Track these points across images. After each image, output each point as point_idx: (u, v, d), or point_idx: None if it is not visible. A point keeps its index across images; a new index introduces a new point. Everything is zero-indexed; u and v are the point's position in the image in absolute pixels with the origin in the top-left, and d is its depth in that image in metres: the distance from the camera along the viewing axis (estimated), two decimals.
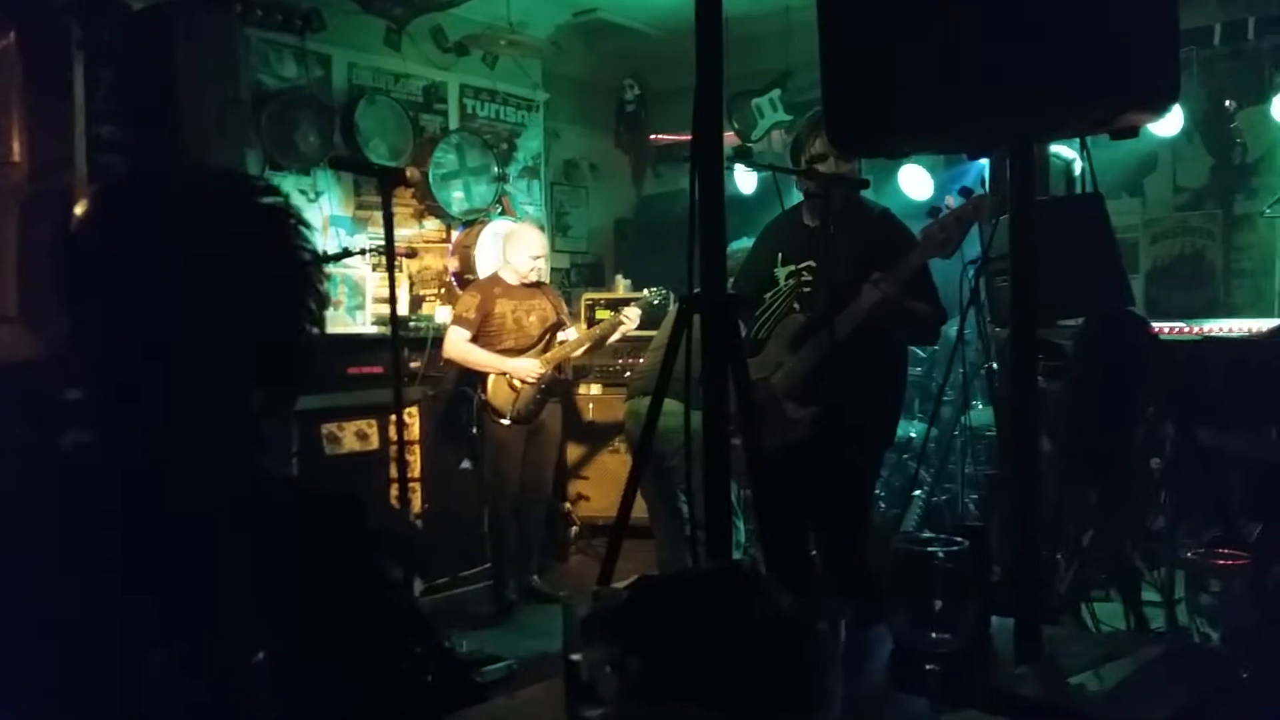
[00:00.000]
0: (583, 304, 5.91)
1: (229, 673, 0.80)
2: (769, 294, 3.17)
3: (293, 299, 1.09)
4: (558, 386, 4.83)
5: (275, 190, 1.14)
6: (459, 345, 4.64)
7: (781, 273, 3.16)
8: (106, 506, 1.00)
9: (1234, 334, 4.10)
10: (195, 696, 0.81)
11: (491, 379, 4.66)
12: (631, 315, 4.78)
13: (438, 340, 4.87)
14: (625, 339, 5.04)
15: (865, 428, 3.00)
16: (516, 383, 4.64)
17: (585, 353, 5.06)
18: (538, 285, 4.85)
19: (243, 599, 0.91)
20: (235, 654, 0.80)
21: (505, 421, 4.64)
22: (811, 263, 3.08)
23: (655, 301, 4.98)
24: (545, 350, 4.72)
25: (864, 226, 2.93)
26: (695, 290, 1.96)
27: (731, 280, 3.18)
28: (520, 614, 4.61)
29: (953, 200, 2.79)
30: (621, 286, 6.01)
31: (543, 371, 4.65)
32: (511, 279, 4.76)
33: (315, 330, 1.12)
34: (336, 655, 0.92)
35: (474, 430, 4.78)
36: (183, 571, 0.93)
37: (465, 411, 4.82)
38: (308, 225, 1.15)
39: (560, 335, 4.82)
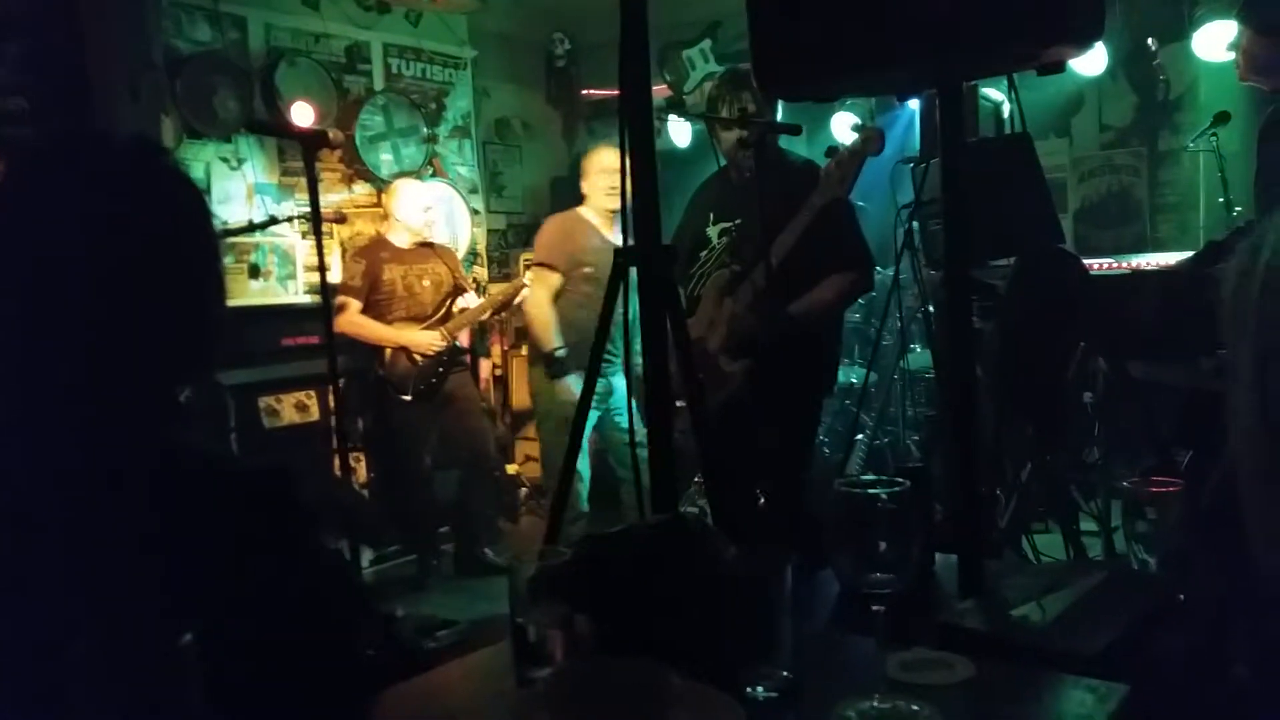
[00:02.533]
0: (520, 264, 5.83)
1: (154, 657, 0.77)
2: (703, 253, 3.19)
3: (199, 269, 1.05)
4: (459, 357, 4.61)
5: (173, 158, 1.10)
6: (350, 317, 4.33)
7: (713, 231, 3.20)
8: (12, 493, 0.95)
9: (1160, 267, 4.19)
10: (120, 684, 0.78)
11: (389, 352, 4.40)
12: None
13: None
14: None
15: (802, 376, 3.02)
16: (416, 356, 4.40)
17: (490, 318, 4.92)
18: (430, 247, 4.63)
19: (166, 581, 0.87)
20: (160, 638, 0.77)
21: (407, 397, 4.39)
22: (740, 220, 3.10)
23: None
24: (444, 320, 4.51)
25: (784, 177, 2.94)
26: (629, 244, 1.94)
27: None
28: (473, 577, 4.57)
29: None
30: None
31: (444, 344, 4.43)
32: (402, 240, 4.54)
33: (221, 300, 1.08)
34: (269, 633, 0.90)
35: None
36: (100, 558, 0.89)
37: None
38: (203, 190, 1.13)
39: (460, 302, 4.59)
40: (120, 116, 4.21)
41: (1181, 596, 1.67)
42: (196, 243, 1.06)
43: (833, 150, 2.87)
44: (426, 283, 4.54)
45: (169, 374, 1.03)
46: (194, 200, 1.07)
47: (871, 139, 2.76)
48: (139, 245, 1.00)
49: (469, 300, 4.64)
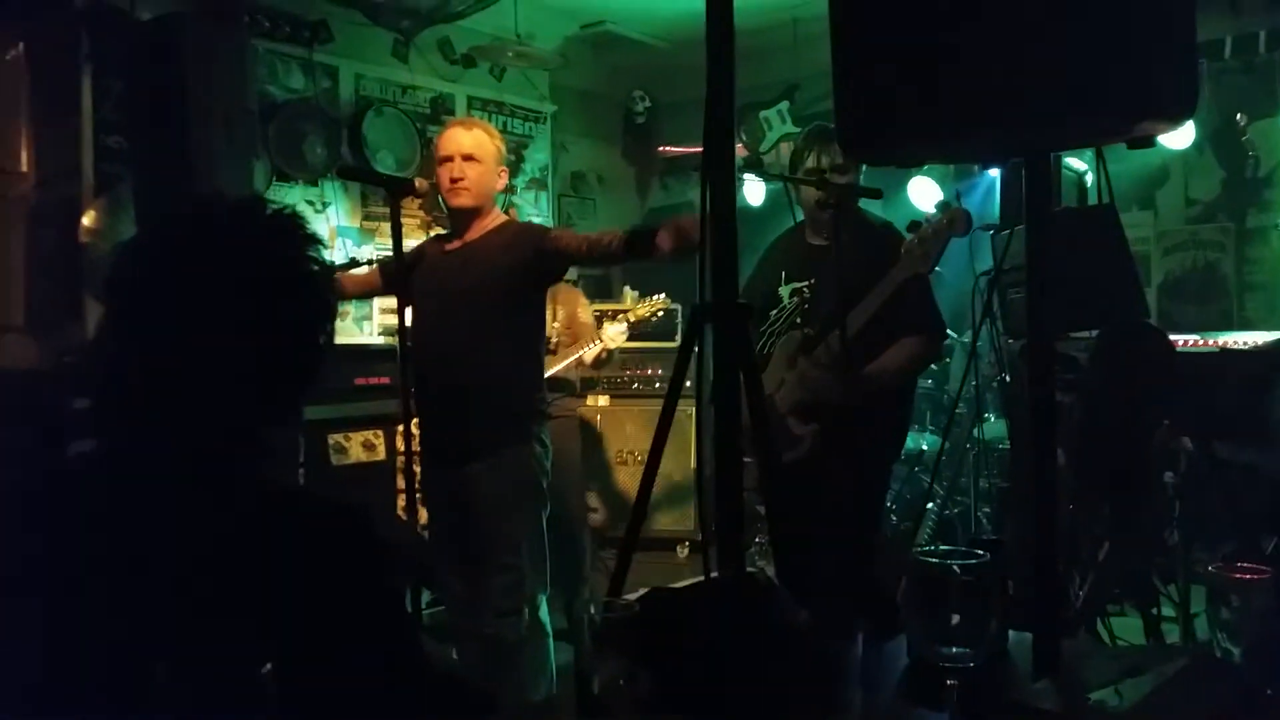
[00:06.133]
0: (590, 316, 5.87)
1: (236, 683, 0.78)
2: (774, 312, 3.17)
3: (304, 312, 1.09)
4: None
5: (287, 208, 1.15)
6: None
7: (785, 291, 3.17)
8: (111, 516, 0.98)
9: (1249, 346, 4.07)
10: (201, 707, 0.79)
11: None
12: (614, 335, 4.34)
13: None
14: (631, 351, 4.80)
15: (872, 442, 2.97)
16: None
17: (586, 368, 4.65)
18: (561, 289, 4.35)
19: (250, 609, 0.88)
20: (242, 664, 0.78)
21: None
22: (814, 281, 3.09)
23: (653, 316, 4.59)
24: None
25: (863, 241, 2.92)
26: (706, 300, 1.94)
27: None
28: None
29: (932, 216, 2.77)
30: (629, 298, 5.97)
31: None
32: None
33: (325, 341, 1.12)
34: (345, 665, 0.90)
35: None
36: (188, 581, 0.91)
37: None
38: (319, 240, 1.17)
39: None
40: (214, 159, 4.35)
41: (1269, 691, 1.59)
42: (299, 285, 1.10)
43: (915, 224, 2.81)
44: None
45: (269, 410, 1.06)
46: (301, 246, 1.11)
47: (958, 219, 2.72)
48: (248, 288, 1.04)
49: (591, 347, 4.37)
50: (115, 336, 1.05)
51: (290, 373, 1.09)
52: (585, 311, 4.57)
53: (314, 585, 0.94)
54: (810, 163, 3.05)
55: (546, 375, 4.25)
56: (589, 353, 4.38)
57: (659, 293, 5.11)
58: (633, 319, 4.46)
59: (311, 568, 0.95)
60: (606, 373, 5.47)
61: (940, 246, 2.72)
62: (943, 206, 2.72)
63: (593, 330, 4.42)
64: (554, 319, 4.43)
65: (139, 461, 1.01)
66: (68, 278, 4.18)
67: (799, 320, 3.11)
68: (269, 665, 0.77)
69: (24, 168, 4.42)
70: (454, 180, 3.05)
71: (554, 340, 4.43)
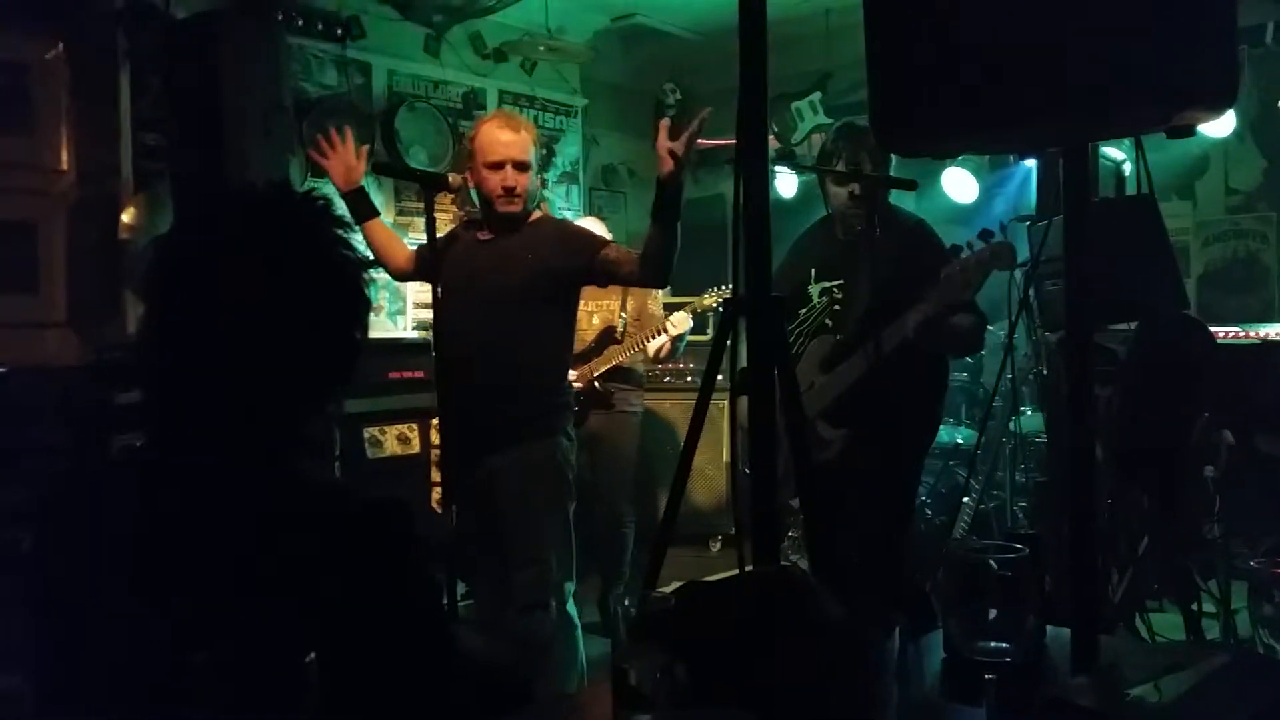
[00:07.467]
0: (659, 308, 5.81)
1: (277, 674, 0.79)
2: (803, 310, 3.12)
3: (341, 304, 1.10)
4: (594, 400, 4.32)
5: (322, 199, 1.16)
6: None
7: (814, 290, 3.11)
8: (154, 508, 1.00)
9: None
10: (241, 697, 0.80)
11: None
12: (677, 322, 4.34)
13: None
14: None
15: (904, 442, 2.95)
16: None
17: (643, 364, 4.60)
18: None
19: (292, 600, 0.90)
20: (284, 655, 0.79)
21: None
22: (845, 281, 3.04)
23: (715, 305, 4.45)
24: (598, 357, 4.34)
25: (895, 238, 2.87)
26: (739, 293, 1.94)
27: None
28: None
29: (974, 242, 2.72)
30: (660, 291, 5.97)
31: (578, 385, 4.09)
32: None
33: (360, 334, 1.13)
34: (386, 657, 0.91)
35: None
36: (231, 573, 0.92)
37: None
38: (349, 224, 1.18)
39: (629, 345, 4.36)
40: (251, 155, 4.39)
41: None
42: (336, 276, 1.11)
43: (956, 249, 2.74)
44: (595, 320, 4.38)
45: (308, 402, 1.08)
46: (336, 238, 1.12)
47: (1003, 254, 2.65)
48: (286, 281, 1.05)
49: (663, 338, 4.37)
50: (153, 332, 1.06)
51: (327, 364, 1.09)
52: (655, 303, 4.55)
53: (354, 578, 0.95)
54: (840, 167, 3.00)
55: (612, 365, 4.34)
56: (652, 344, 4.38)
57: (690, 288, 5.08)
58: (698, 308, 4.45)
59: (351, 560, 0.96)
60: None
61: (982, 278, 2.66)
62: (987, 238, 2.67)
63: (660, 322, 4.40)
64: (623, 309, 4.45)
65: (181, 455, 1.03)
66: (108, 274, 4.24)
67: (828, 322, 3.07)
68: (312, 655, 0.78)
69: (64, 166, 4.48)
70: (507, 189, 3.00)
71: (620, 330, 4.44)
